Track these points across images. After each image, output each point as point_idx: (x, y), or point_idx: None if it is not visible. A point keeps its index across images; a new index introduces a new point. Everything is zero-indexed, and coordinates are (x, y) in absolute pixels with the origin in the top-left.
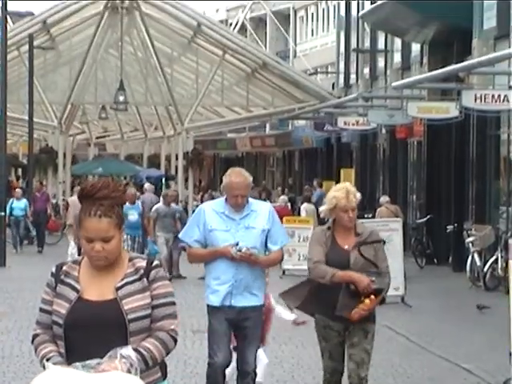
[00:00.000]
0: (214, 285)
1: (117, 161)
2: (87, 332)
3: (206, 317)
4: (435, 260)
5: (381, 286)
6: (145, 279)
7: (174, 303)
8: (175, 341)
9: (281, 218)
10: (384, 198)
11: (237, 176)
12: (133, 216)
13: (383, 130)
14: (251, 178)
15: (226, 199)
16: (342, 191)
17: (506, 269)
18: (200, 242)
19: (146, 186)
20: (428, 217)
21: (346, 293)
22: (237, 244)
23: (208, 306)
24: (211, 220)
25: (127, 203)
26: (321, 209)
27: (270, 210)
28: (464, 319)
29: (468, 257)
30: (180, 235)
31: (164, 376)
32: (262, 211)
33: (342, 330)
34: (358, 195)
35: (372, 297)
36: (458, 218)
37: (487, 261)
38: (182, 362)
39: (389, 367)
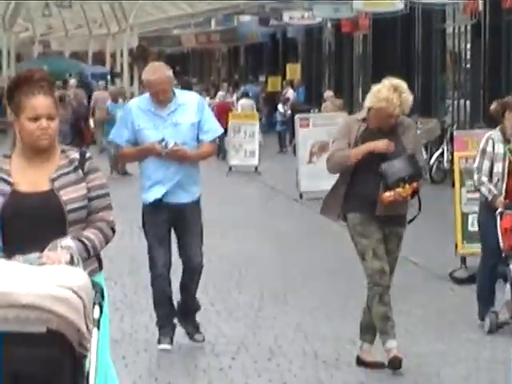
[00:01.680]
0: (147, 185)
1: (62, 58)
2: (24, 224)
3: None
4: None
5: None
6: (80, 171)
7: (109, 195)
8: (114, 232)
9: (222, 114)
10: (329, 93)
11: (154, 72)
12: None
13: (329, 24)
14: (170, 72)
15: (151, 95)
16: (396, 96)
17: (451, 161)
18: (130, 142)
19: (100, 83)
20: None
21: (384, 189)
22: (162, 140)
23: (143, 205)
24: (138, 118)
25: (110, 101)
26: (366, 103)
27: (199, 102)
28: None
29: None
30: (110, 136)
31: (100, 268)
32: (190, 104)
33: (380, 227)
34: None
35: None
36: None
37: (433, 154)
38: (128, 256)
39: (337, 260)
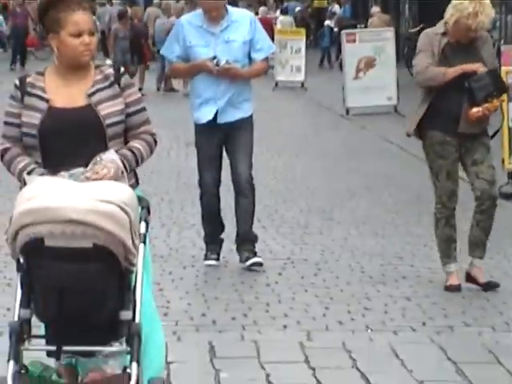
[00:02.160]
0: (197, 103)
1: None
2: (63, 141)
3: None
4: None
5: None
6: (116, 86)
7: (146, 109)
8: (156, 144)
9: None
10: (375, 8)
11: None
12: None
13: None
14: None
15: (203, 11)
16: (477, 9)
17: None
18: (181, 58)
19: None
20: (421, 26)
21: (470, 106)
22: (214, 58)
23: (195, 124)
24: (190, 35)
25: (162, 17)
26: (446, 15)
27: (252, 19)
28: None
29: None
30: (161, 50)
31: (137, 183)
32: (243, 21)
33: (458, 145)
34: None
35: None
36: None
37: None
38: (175, 173)
39: (382, 176)
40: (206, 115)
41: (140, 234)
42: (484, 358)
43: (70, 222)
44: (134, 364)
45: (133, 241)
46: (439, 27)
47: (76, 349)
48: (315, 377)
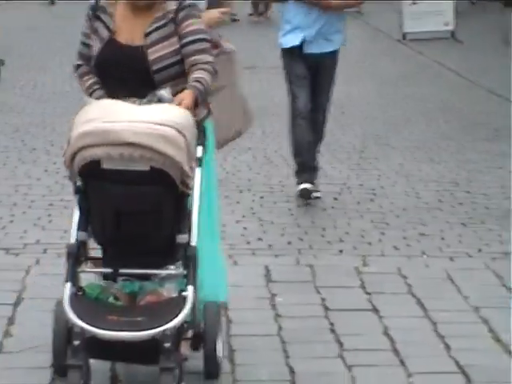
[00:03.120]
0: (286, 29)
1: None
2: (117, 75)
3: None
4: None
5: None
6: (172, 24)
7: (205, 40)
8: (216, 73)
9: None
10: None
11: None
12: None
13: None
14: None
15: None
16: None
17: None
18: None
19: None
20: None
21: None
22: None
23: (282, 50)
24: None
25: None
26: None
27: None
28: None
29: None
30: None
31: (209, 113)
32: None
33: None
34: None
35: None
36: None
37: None
38: None
39: (438, 102)
40: (291, 40)
41: (197, 158)
42: None
43: (128, 144)
44: (190, 287)
45: (189, 164)
46: None
47: (132, 271)
48: (370, 302)
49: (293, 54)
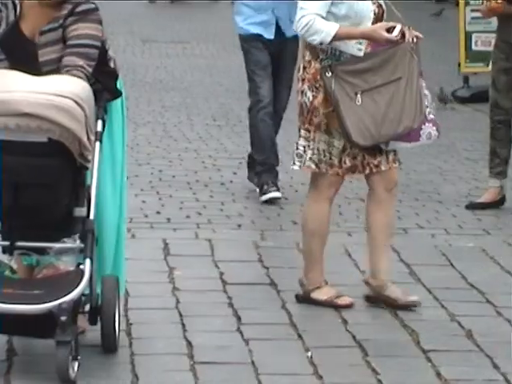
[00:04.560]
0: (244, 12)
1: None
2: (12, 64)
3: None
4: None
5: None
6: (61, 29)
7: (90, 46)
8: (87, 78)
9: None
10: None
11: None
12: None
13: None
14: None
15: None
16: None
17: None
18: None
19: None
20: None
21: None
22: None
23: (241, 35)
24: None
25: None
26: None
27: None
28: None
29: None
30: None
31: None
32: None
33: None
34: None
35: None
36: None
37: None
38: (131, 70)
39: None
40: (254, 27)
41: (96, 132)
42: (436, 260)
43: (25, 115)
44: (88, 260)
45: (88, 137)
46: None
47: (29, 244)
48: (268, 276)
49: (255, 41)
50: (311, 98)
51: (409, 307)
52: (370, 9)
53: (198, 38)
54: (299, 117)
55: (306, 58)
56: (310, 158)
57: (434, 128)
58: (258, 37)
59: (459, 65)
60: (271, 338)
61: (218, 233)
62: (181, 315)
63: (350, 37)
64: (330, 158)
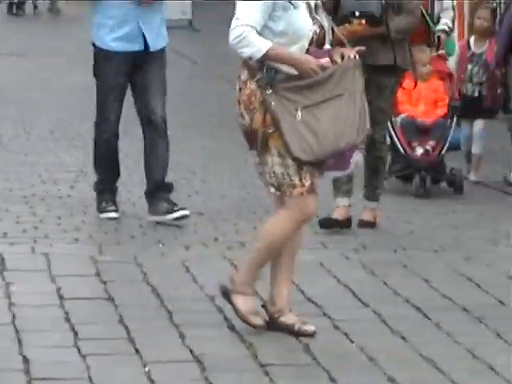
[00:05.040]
0: (107, 25)
1: None
2: None
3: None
4: None
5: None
6: None
7: None
8: None
9: None
10: None
11: None
12: None
13: None
14: None
15: None
16: None
17: None
18: None
19: None
20: None
21: None
22: None
23: (101, 50)
24: None
25: None
26: None
27: None
28: None
29: None
30: None
31: None
32: None
33: None
34: None
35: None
36: None
37: None
38: None
39: (178, 91)
40: (121, 41)
41: None
42: None
43: None
44: None
45: None
46: None
47: None
48: (106, 291)
49: (115, 57)
50: (249, 121)
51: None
52: (308, 28)
53: (38, 51)
54: (245, 140)
55: (242, 78)
56: (269, 183)
57: (361, 155)
58: (120, 53)
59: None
60: (109, 353)
61: (54, 247)
62: (17, 331)
63: (279, 59)
64: (291, 179)
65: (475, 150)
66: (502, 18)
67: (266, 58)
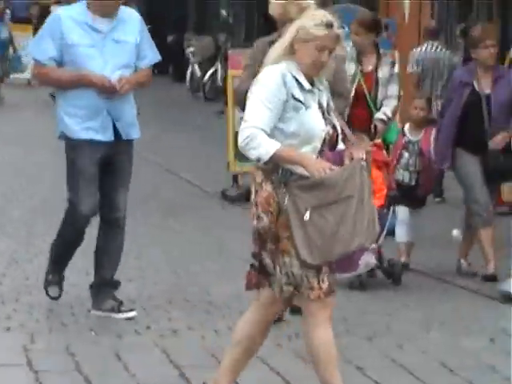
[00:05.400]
0: (78, 115)
1: None
2: None
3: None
4: (155, 71)
5: None
6: None
7: None
8: None
9: None
10: None
11: None
12: None
13: None
14: None
15: (88, 4)
16: None
17: (225, 79)
18: (56, 60)
19: None
20: (148, 27)
21: None
22: None
23: (69, 140)
24: (71, 32)
25: None
26: None
27: (140, 19)
28: (184, 130)
29: (188, 67)
30: (30, 49)
31: None
32: (131, 20)
33: None
34: None
35: None
36: (178, 29)
37: (207, 72)
38: None
39: None
40: (81, 131)
41: None
42: (206, 361)
43: None
44: None
45: None
46: None
47: None
48: (38, 380)
49: (85, 147)
50: (268, 224)
51: None
52: (321, 128)
53: None
54: (256, 242)
55: (257, 180)
56: (286, 283)
57: (373, 256)
58: (90, 143)
59: (228, 164)
60: None
61: None
62: None
63: (286, 161)
64: (309, 281)
65: (402, 238)
66: (442, 110)
67: (273, 159)
